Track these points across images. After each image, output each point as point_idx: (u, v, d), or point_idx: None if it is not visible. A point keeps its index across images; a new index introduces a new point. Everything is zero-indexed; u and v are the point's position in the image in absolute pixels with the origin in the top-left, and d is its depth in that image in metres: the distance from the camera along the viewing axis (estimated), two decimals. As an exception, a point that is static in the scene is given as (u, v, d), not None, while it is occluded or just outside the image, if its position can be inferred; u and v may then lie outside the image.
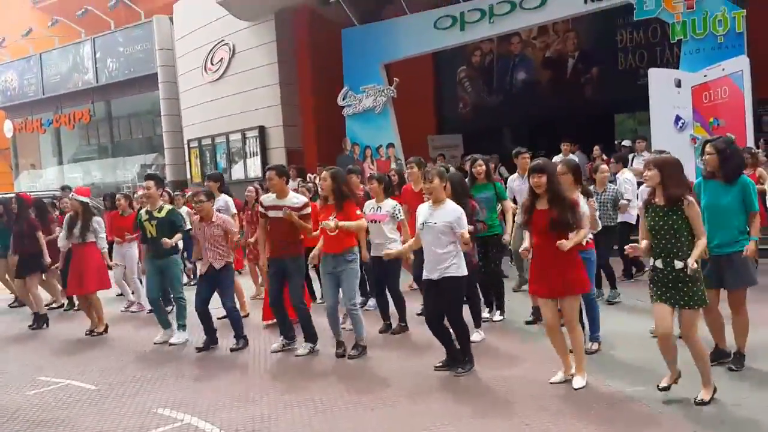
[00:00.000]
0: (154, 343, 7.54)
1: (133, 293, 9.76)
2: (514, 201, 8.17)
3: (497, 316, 7.47)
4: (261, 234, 6.98)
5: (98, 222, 8.41)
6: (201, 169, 20.00)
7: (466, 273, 5.65)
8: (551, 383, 5.30)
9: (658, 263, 4.67)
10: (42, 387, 6.25)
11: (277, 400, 5.41)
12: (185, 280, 9.74)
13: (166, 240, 7.30)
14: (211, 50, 19.05)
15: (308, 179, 14.89)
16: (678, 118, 11.82)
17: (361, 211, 6.79)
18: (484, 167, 7.42)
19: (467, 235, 5.50)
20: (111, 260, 8.96)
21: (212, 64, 19.09)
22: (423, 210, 5.75)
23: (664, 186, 4.65)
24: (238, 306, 7.65)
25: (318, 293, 8.25)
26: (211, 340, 7.17)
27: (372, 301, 8.16)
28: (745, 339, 5.39)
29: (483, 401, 5.12)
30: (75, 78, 26.55)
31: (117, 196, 10.11)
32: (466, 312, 6.08)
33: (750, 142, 10.96)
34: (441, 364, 5.85)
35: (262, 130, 17.93)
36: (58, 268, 9.54)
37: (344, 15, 16.06)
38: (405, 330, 7.31)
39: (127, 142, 26.90)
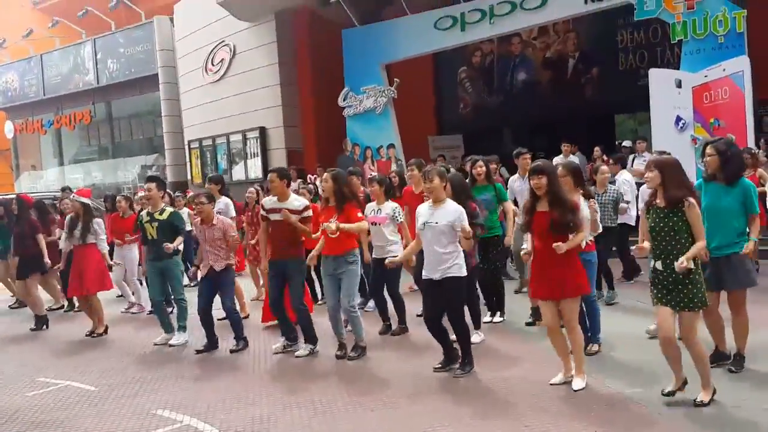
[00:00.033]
0: (155, 345, 7.54)
1: (133, 294, 9.76)
2: (515, 202, 8.18)
3: (497, 318, 7.46)
4: (262, 237, 6.97)
5: (98, 223, 8.41)
6: (201, 170, 20.01)
7: (466, 273, 5.65)
8: (551, 384, 5.29)
9: (658, 265, 4.66)
10: (41, 388, 6.24)
11: (276, 401, 5.41)
12: (185, 281, 9.73)
13: (168, 245, 7.31)
14: (212, 51, 19.07)
15: (308, 180, 14.89)
16: (678, 119, 11.82)
17: (363, 213, 6.78)
18: (484, 168, 7.40)
19: (469, 227, 5.48)
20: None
21: (213, 64, 19.10)
22: (423, 210, 5.74)
23: (665, 187, 4.63)
24: (238, 307, 7.66)
25: (320, 295, 8.25)
26: (212, 345, 7.17)
27: (372, 303, 8.15)
28: (745, 340, 5.38)
29: (483, 402, 5.12)
30: (75, 79, 26.57)
31: (117, 198, 10.12)
32: (466, 312, 6.07)
33: (750, 143, 10.96)
34: (440, 365, 5.85)
35: (262, 131, 17.94)
36: (59, 269, 9.55)
37: (344, 16, 16.05)
38: (405, 331, 7.31)
39: (128, 143, 26.92)
